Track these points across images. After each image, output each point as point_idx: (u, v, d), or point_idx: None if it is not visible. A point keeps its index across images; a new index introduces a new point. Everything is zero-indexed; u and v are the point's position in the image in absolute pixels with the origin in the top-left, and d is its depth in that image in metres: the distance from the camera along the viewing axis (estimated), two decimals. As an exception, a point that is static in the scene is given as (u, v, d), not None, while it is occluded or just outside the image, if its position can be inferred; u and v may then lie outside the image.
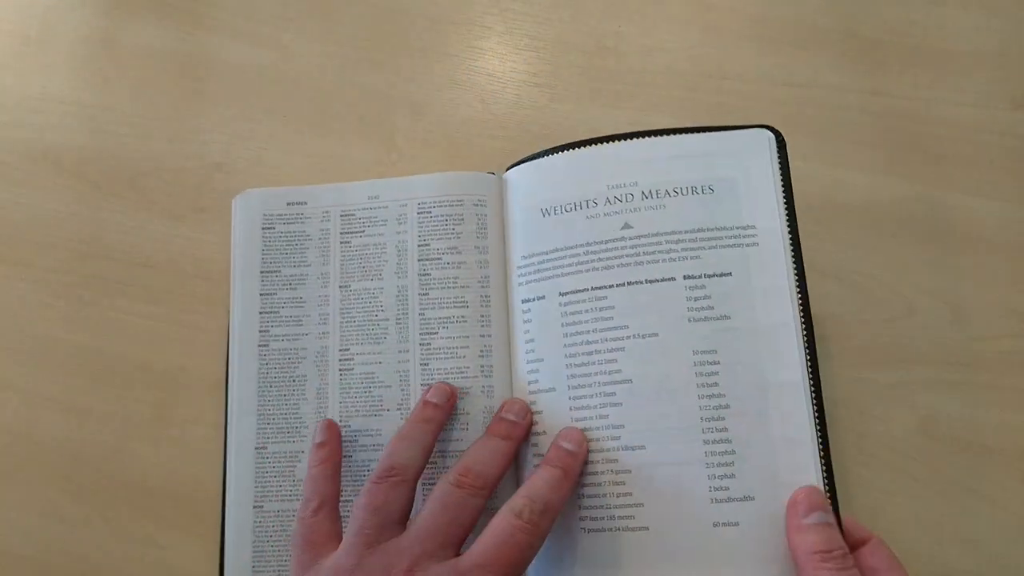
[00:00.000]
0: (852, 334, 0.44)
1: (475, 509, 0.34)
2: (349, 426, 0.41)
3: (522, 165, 0.43)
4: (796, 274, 0.38)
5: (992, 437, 0.43)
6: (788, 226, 0.38)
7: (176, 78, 0.52)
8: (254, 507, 0.41)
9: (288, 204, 0.45)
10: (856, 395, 0.44)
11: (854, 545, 0.35)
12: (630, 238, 0.39)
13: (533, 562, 0.34)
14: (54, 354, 0.47)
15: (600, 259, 0.39)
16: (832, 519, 0.34)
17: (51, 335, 0.47)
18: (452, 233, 0.43)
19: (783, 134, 0.40)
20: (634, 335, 0.38)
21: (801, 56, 0.51)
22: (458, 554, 0.33)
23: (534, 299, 0.40)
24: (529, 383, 0.40)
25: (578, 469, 0.36)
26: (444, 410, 0.39)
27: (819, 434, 0.36)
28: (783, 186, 0.39)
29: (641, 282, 0.38)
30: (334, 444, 0.39)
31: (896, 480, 0.43)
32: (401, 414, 0.41)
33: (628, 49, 0.52)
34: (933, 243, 0.47)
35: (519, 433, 0.38)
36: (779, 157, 0.39)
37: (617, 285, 0.39)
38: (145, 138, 0.51)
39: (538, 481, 0.35)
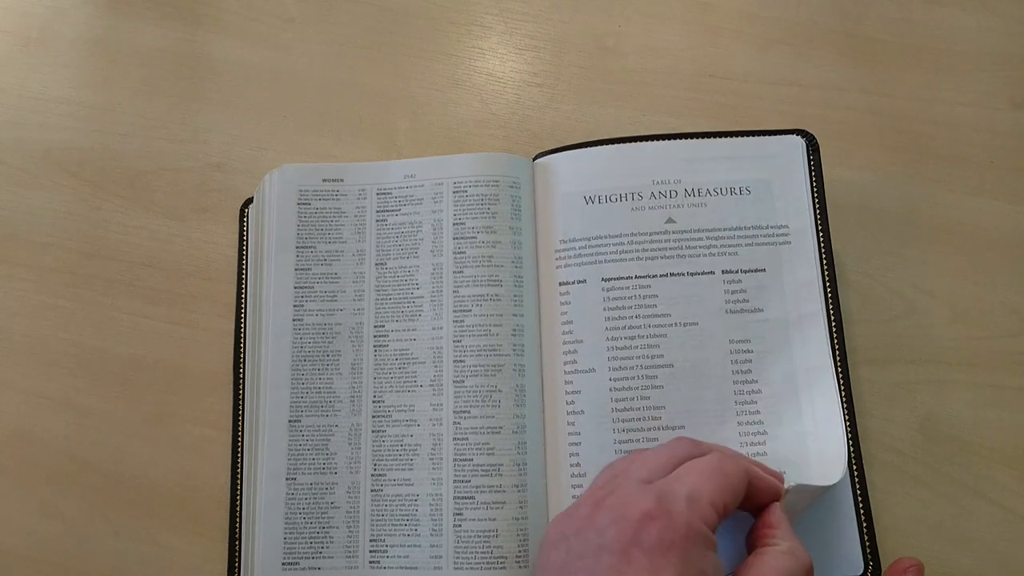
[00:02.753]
0: (852, 334, 0.44)
1: (684, 453, 0.35)
2: (383, 401, 0.42)
3: (564, 153, 0.44)
4: (826, 269, 0.41)
5: (992, 437, 0.43)
6: (819, 225, 0.41)
7: (176, 78, 0.52)
8: (287, 479, 0.41)
9: (324, 180, 0.45)
10: (856, 395, 0.44)
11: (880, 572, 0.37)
12: (673, 232, 0.42)
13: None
14: (54, 354, 0.47)
15: (644, 250, 0.42)
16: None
17: (51, 335, 0.47)
18: (487, 213, 0.43)
19: (816, 137, 0.43)
20: (676, 323, 0.41)
21: (801, 56, 0.51)
22: None
23: (574, 282, 0.42)
24: (565, 363, 0.41)
25: None
26: None
27: (846, 416, 0.39)
28: (815, 188, 0.42)
29: (683, 274, 0.41)
30: None
31: (896, 480, 0.43)
32: (434, 390, 0.41)
33: (628, 49, 0.52)
34: (933, 243, 0.47)
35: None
36: (811, 160, 0.42)
37: (660, 275, 0.41)
38: (145, 138, 0.51)
39: None
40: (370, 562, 0.40)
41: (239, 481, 0.43)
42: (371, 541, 0.40)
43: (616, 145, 0.44)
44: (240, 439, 0.43)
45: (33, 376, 0.46)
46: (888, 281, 0.46)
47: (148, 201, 0.49)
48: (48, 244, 0.49)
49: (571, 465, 0.40)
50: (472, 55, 0.52)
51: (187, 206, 0.49)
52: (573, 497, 0.39)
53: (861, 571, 0.37)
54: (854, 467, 0.38)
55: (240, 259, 0.47)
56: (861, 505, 0.38)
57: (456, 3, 0.53)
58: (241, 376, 0.44)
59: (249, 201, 0.48)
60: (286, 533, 0.40)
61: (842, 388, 0.39)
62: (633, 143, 0.44)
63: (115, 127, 0.51)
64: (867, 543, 0.38)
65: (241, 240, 0.47)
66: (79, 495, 0.44)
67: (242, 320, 0.45)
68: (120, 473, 0.44)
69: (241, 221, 0.47)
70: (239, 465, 0.43)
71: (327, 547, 0.40)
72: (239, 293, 0.46)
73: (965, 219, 0.47)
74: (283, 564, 0.40)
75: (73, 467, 0.45)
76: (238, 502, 0.42)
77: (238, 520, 0.42)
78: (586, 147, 0.44)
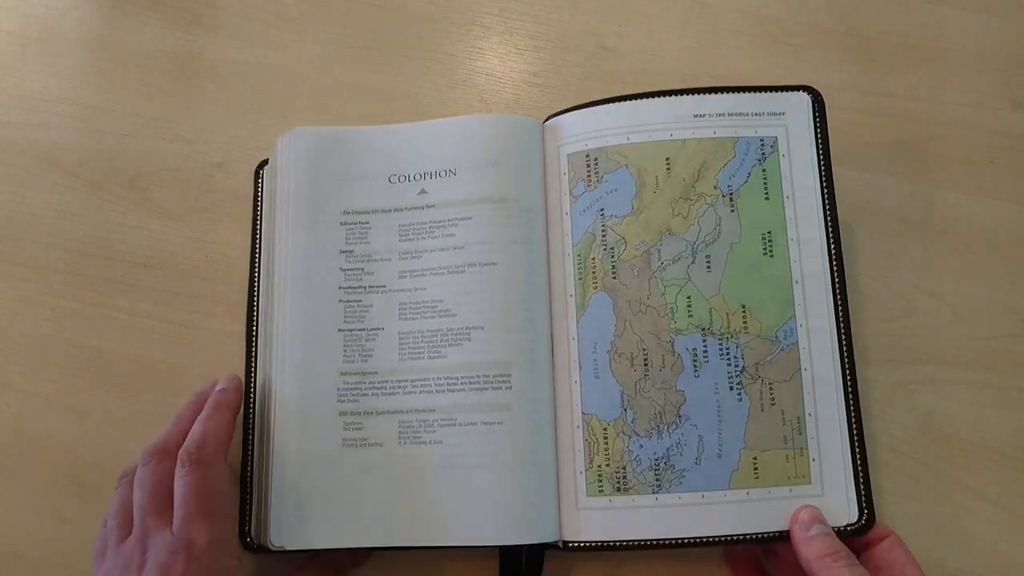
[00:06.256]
0: (852, 334, 0.44)
1: (165, 471, 0.37)
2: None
3: (571, 113, 0.44)
4: (831, 228, 0.41)
5: (992, 437, 0.43)
6: (824, 182, 0.42)
7: (176, 78, 0.52)
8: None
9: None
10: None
11: (873, 542, 0.38)
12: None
13: None
14: (54, 354, 0.47)
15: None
16: (829, 529, 0.37)
17: (51, 335, 0.47)
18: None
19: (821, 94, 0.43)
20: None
21: (801, 56, 0.51)
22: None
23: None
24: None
25: (230, 402, 0.40)
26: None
27: (848, 374, 0.40)
28: (820, 145, 0.42)
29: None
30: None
31: (896, 480, 0.43)
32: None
33: (628, 49, 0.52)
34: (933, 243, 0.47)
35: (198, 400, 0.41)
36: (817, 118, 0.43)
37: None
38: (145, 138, 0.51)
39: (194, 426, 0.39)
40: None
41: (251, 447, 0.42)
42: None
43: (622, 103, 0.44)
44: (252, 405, 0.43)
45: (33, 376, 0.46)
46: (888, 281, 0.46)
47: (148, 201, 0.49)
48: (48, 244, 0.49)
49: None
50: (472, 55, 0.52)
51: (187, 206, 0.49)
52: None
53: (856, 519, 0.38)
54: (852, 420, 0.39)
55: (254, 219, 0.46)
56: (859, 456, 0.39)
57: (456, 3, 0.53)
58: (254, 339, 0.44)
59: (264, 163, 0.48)
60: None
61: (844, 349, 0.40)
62: (641, 100, 0.43)
63: (115, 127, 0.51)
64: (863, 492, 0.38)
65: (256, 202, 0.47)
66: (79, 495, 0.44)
67: (256, 282, 0.45)
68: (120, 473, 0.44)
69: (256, 183, 0.47)
70: (251, 427, 0.43)
71: None
72: (252, 256, 0.46)
73: (965, 219, 0.47)
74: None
75: (73, 467, 0.45)
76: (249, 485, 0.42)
77: (248, 511, 0.42)
78: (591, 106, 0.44)
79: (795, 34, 0.51)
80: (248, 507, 0.41)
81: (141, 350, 0.46)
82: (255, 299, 0.45)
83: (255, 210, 0.47)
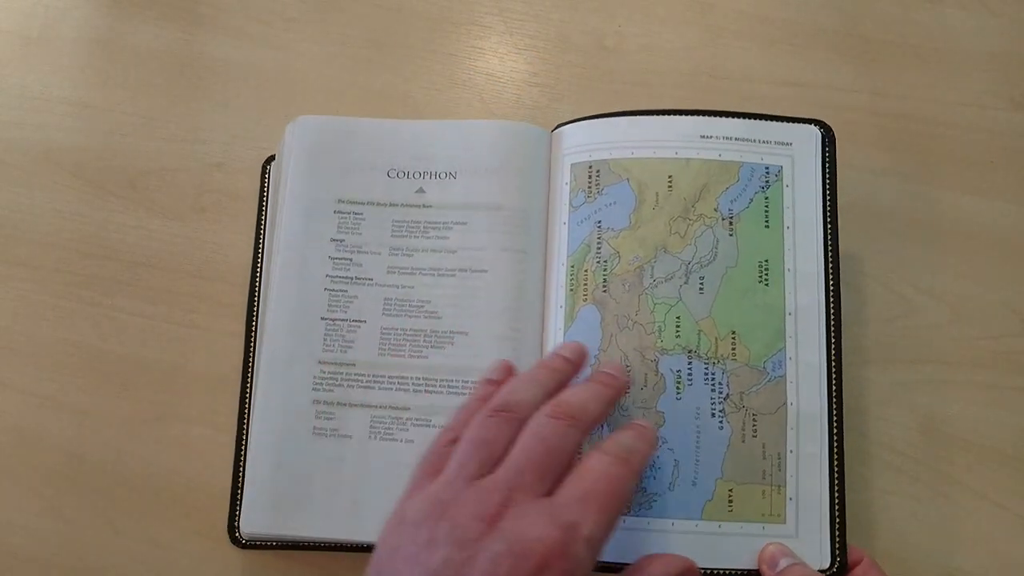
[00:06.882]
0: (852, 334, 0.44)
1: (571, 442, 0.33)
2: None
3: (578, 123, 0.44)
4: (831, 263, 0.41)
5: (992, 437, 0.43)
6: (828, 217, 0.41)
7: (176, 78, 0.52)
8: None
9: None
10: (856, 395, 0.44)
11: (848, 566, 0.37)
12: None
13: None
14: (54, 354, 0.47)
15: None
16: (797, 558, 0.36)
17: (51, 335, 0.47)
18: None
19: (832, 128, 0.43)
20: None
21: (801, 56, 0.51)
22: (552, 491, 0.31)
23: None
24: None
25: (655, 440, 0.37)
26: (574, 366, 0.38)
27: (836, 414, 0.39)
28: (827, 179, 0.42)
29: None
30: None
31: (896, 480, 0.43)
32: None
33: (628, 49, 0.52)
34: (933, 243, 0.47)
35: (618, 385, 0.38)
36: (826, 152, 0.42)
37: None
38: (145, 138, 0.51)
39: (623, 433, 0.35)
40: None
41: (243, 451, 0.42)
42: None
43: (629, 117, 0.43)
44: (248, 400, 0.43)
45: (33, 376, 0.46)
46: (888, 281, 0.46)
47: (148, 201, 0.49)
48: (48, 244, 0.49)
49: None
50: (472, 55, 0.52)
51: (187, 206, 0.49)
52: None
53: (828, 565, 0.37)
54: (835, 477, 0.38)
55: (259, 215, 0.47)
56: (837, 499, 0.38)
57: (456, 3, 0.53)
58: (254, 339, 0.44)
59: (271, 159, 0.48)
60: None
61: (834, 388, 0.39)
62: (646, 116, 0.43)
63: (115, 127, 0.51)
64: (838, 538, 0.37)
65: (261, 197, 0.47)
66: (79, 495, 0.44)
67: (257, 279, 0.45)
68: (120, 473, 0.44)
69: (263, 178, 0.48)
70: (245, 426, 0.43)
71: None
72: (256, 252, 0.46)
73: (965, 219, 0.47)
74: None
75: (73, 467, 0.45)
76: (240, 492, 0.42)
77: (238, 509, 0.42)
78: (599, 118, 0.44)
79: (795, 34, 0.51)
80: (238, 502, 0.42)
81: (141, 350, 0.46)
82: (255, 299, 0.45)
83: (260, 206, 0.47)
